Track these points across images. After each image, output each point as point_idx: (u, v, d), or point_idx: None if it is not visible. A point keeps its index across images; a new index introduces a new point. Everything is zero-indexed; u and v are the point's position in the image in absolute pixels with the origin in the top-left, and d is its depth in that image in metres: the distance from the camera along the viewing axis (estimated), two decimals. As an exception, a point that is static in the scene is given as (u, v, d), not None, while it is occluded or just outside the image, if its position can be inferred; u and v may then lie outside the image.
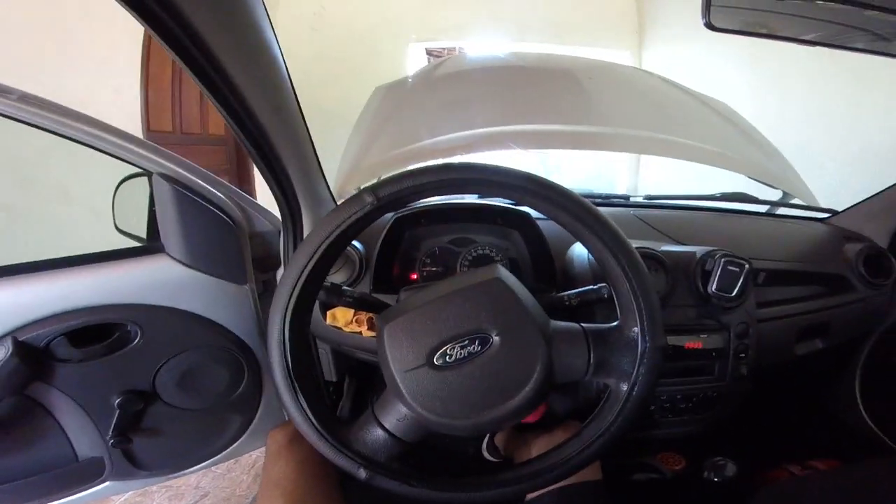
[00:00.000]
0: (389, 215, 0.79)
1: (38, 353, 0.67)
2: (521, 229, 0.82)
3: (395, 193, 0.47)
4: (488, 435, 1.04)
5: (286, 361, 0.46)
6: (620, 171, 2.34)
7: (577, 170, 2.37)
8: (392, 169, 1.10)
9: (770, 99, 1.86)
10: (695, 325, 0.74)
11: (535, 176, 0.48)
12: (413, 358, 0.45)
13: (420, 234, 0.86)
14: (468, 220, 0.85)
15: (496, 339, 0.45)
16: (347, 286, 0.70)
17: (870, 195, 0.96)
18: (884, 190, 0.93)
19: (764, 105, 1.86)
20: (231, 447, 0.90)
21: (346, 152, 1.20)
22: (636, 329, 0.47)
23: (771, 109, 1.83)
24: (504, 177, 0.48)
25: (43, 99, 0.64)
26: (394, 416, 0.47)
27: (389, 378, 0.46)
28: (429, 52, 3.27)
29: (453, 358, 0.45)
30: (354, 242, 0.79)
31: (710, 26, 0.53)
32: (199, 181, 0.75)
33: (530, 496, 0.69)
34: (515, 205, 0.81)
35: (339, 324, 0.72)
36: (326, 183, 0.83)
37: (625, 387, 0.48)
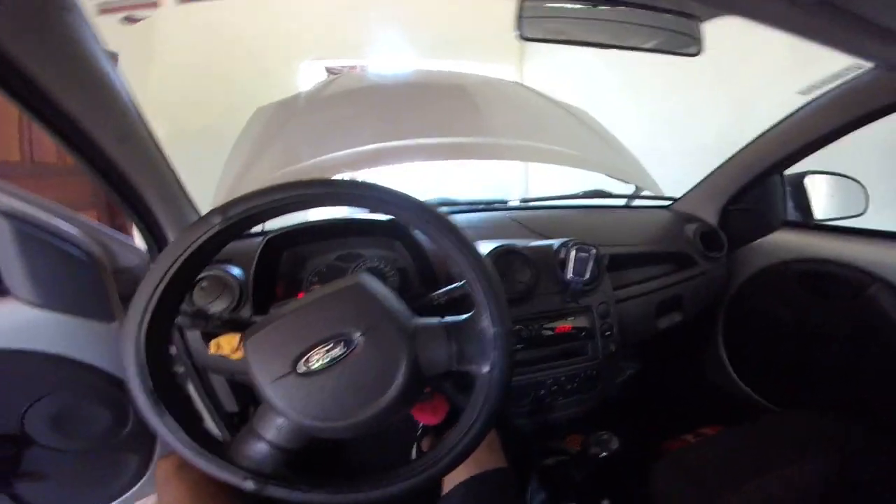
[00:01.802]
0: (260, 238, 0.78)
1: None
2: (401, 239, 0.84)
3: (243, 212, 0.46)
4: (416, 443, 1.05)
5: (146, 387, 0.45)
6: (514, 178, 2.52)
7: (477, 179, 2.51)
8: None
9: (628, 106, 2.14)
10: (561, 309, 0.81)
11: (382, 186, 0.50)
12: (278, 367, 0.46)
13: (303, 252, 0.85)
14: (350, 234, 0.86)
15: (360, 340, 0.47)
16: (229, 313, 0.68)
17: (698, 182, 1.13)
18: (707, 176, 1.11)
19: (622, 109, 2.13)
20: (134, 487, 0.86)
21: (223, 175, 1.15)
22: (486, 317, 0.50)
23: (628, 113, 2.11)
24: (353, 189, 0.50)
25: None
26: (272, 426, 0.47)
27: (260, 390, 0.46)
28: (329, 70, 3.25)
29: (318, 363, 0.46)
30: (231, 268, 0.76)
31: (522, 37, 0.60)
32: (45, 216, 0.68)
33: (445, 491, 0.71)
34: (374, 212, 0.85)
35: (226, 352, 0.68)
36: (196, 209, 0.80)
37: (485, 371, 0.51)
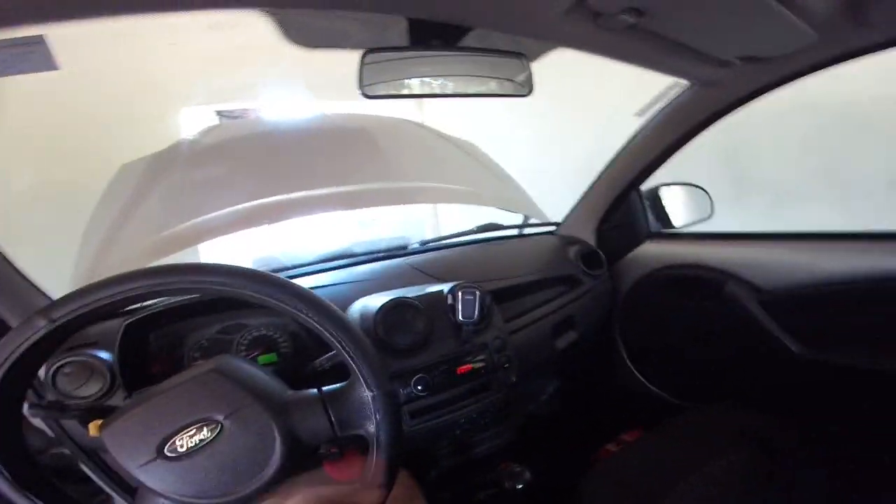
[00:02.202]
0: (119, 321, 0.72)
1: None
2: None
3: (71, 313, 0.46)
4: None
5: (8, 481, 0.46)
6: (425, 219, 2.58)
7: (393, 220, 2.52)
8: (144, 260, 0.97)
9: (514, 129, 2.32)
10: (459, 351, 0.83)
11: (228, 267, 0.49)
12: (142, 454, 0.45)
13: (180, 329, 0.78)
14: (233, 306, 0.80)
15: (226, 423, 0.46)
16: (98, 398, 0.67)
17: (573, 205, 1.24)
18: (581, 198, 1.22)
19: (510, 134, 2.30)
20: None
21: (83, 243, 1.02)
22: (362, 382, 0.50)
23: (514, 136, 2.28)
24: (195, 276, 0.48)
25: None
26: None
27: (129, 476, 0.46)
28: (220, 114, 3.08)
29: (185, 447, 0.45)
30: (100, 352, 0.70)
31: (366, 96, 0.63)
32: None
33: None
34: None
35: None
36: (40, 291, 0.73)
37: (372, 433, 0.51)
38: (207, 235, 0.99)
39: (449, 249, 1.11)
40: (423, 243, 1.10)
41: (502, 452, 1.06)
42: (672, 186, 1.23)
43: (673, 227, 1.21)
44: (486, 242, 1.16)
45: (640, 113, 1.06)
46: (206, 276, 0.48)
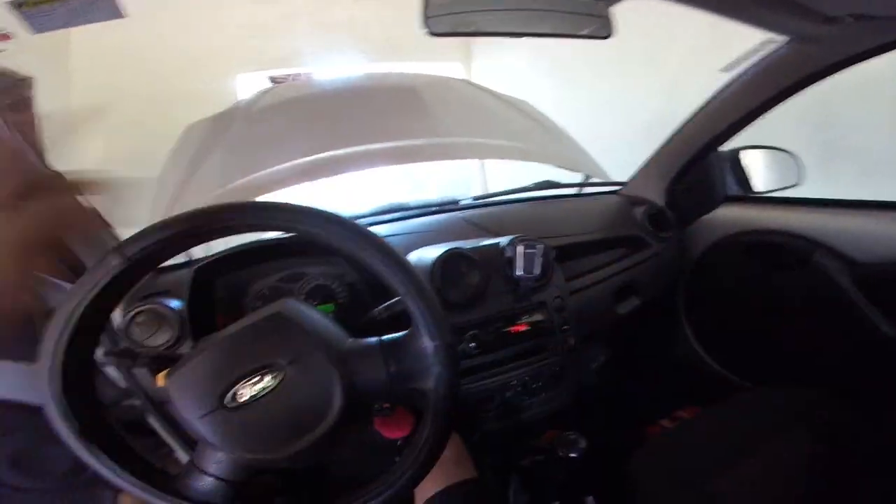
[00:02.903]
0: (188, 270, 0.73)
1: None
2: (340, 253, 0.81)
3: (143, 250, 0.44)
4: (398, 454, 1.01)
5: (75, 430, 0.44)
6: (471, 175, 2.52)
7: (440, 180, 2.49)
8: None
9: (566, 95, 2.18)
10: (515, 309, 0.79)
11: (290, 206, 0.47)
12: (204, 404, 0.44)
13: (243, 277, 0.80)
14: (292, 254, 0.82)
15: (287, 370, 0.45)
16: (168, 347, 0.67)
17: (641, 164, 1.14)
18: (650, 158, 1.12)
19: (562, 101, 2.17)
20: None
21: (156, 199, 1.07)
22: (424, 332, 0.48)
23: (568, 104, 2.15)
24: (261, 213, 0.47)
25: None
26: (212, 460, 0.46)
27: (190, 427, 0.45)
28: (273, 80, 3.15)
29: (246, 397, 0.44)
30: (169, 301, 0.72)
31: (431, 33, 0.59)
32: None
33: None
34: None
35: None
36: (116, 236, 0.75)
37: (430, 388, 0.49)
38: (266, 189, 1.00)
39: (503, 206, 1.06)
40: (476, 198, 1.06)
41: (550, 419, 1.04)
42: (755, 149, 1.10)
43: (753, 193, 1.09)
44: (542, 200, 1.10)
45: (727, 69, 0.94)
46: (271, 212, 0.47)
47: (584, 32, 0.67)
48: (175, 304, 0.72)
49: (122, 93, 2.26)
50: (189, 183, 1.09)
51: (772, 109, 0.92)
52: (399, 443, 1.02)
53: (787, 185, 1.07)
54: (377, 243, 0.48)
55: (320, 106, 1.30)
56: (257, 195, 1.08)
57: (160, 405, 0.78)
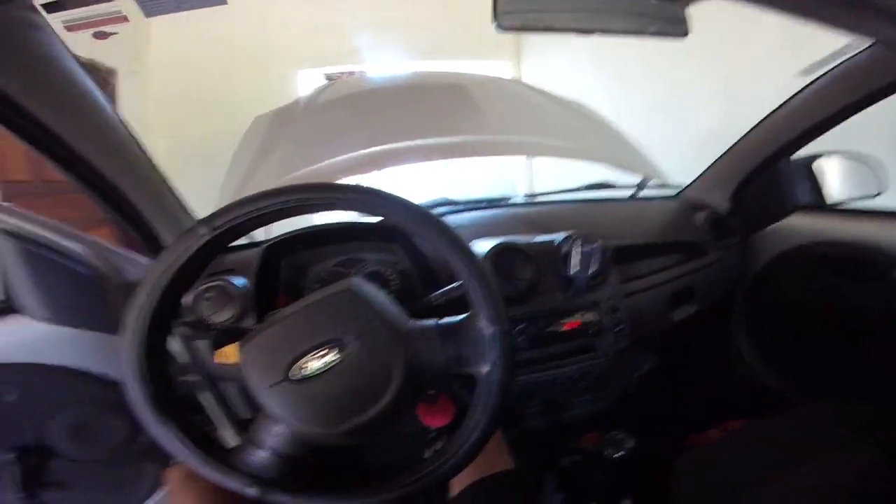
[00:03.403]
0: (258, 248, 0.77)
1: None
2: (399, 241, 0.83)
3: (229, 222, 0.47)
4: (428, 443, 1.03)
5: (145, 397, 0.46)
6: (518, 175, 2.50)
7: (481, 178, 2.49)
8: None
9: (619, 95, 2.12)
10: (566, 306, 0.79)
11: (373, 189, 0.49)
12: (272, 375, 0.45)
13: (304, 259, 0.84)
14: (348, 239, 0.85)
15: (353, 345, 0.46)
16: (231, 324, 0.68)
17: (704, 169, 1.10)
18: (714, 163, 1.08)
19: (615, 101, 2.11)
20: (154, 495, 0.87)
21: (224, 186, 1.15)
22: (482, 317, 0.49)
23: (621, 105, 2.09)
24: (340, 193, 0.49)
25: None
26: (271, 434, 0.47)
27: (256, 397, 0.46)
28: (328, 77, 3.27)
29: (311, 370, 0.45)
30: (234, 279, 0.75)
31: (500, 28, 0.59)
32: (50, 235, 0.70)
33: (452, 494, 0.70)
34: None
35: (231, 360, 0.70)
36: (194, 219, 0.80)
37: (484, 373, 0.50)
38: (329, 177, 1.05)
39: (555, 205, 1.06)
40: (526, 196, 1.06)
41: (591, 421, 1.02)
42: (833, 155, 1.03)
43: (829, 202, 1.02)
44: (597, 201, 1.08)
45: (806, 72, 0.89)
46: (350, 193, 0.49)
47: (660, 31, 0.65)
48: (240, 282, 0.75)
49: (194, 87, 2.43)
50: (255, 171, 1.16)
51: (851, 116, 0.86)
52: (431, 434, 1.04)
53: (866, 194, 0.99)
54: (446, 230, 0.50)
55: (377, 101, 1.34)
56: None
57: (214, 382, 0.81)
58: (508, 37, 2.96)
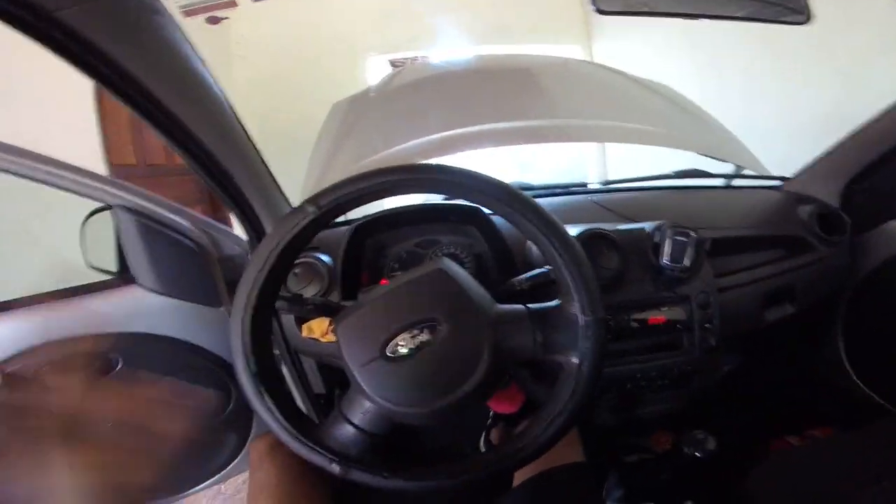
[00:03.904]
0: (347, 226, 0.80)
1: (27, 383, 0.70)
2: (477, 225, 0.83)
3: (334, 200, 0.49)
4: (484, 431, 1.05)
5: (250, 369, 0.47)
6: (589, 161, 2.38)
7: (549, 163, 2.41)
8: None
9: (710, 80, 1.94)
10: (654, 298, 0.75)
11: (468, 171, 0.50)
12: (367, 352, 0.47)
13: (384, 240, 0.87)
14: (427, 220, 0.86)
15: (444, 326, 0.47)
16: (320, 299, 0.71)
17: (813, 160, 0.99)
18: (825, 153, 0.97)
19: (705, 86, 1.94)
20: (230, 465, 0.92)
21: (309, 170, 1.21)
22: (576, 304, 0.48)
23: (712, 90, 1.91)
24: (436, 175, 0.50)
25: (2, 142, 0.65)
26: (359, 411, 0.49)
27: (349, 374, 0.47)
28: (393, 63, 3.31)
29: (405, 348, 0.47)
30: (321, 255, 0.80)
31: (600, 11, 0.55)
32: (162, 211, 0.76)
33: (516, 482, 0.70)
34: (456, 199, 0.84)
35: (316, 335, 0.73)
36: (287, 201, 0.84)
37: (574, 362, 0.49)
38: (403, 161, 1.07)
39: (638, 192, 1.00)
40: (606, 183, 1.02)
41: (660, 419, 0.97)
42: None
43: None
44: (686, 189, 1.01)
45: None
46: (448, 175, 0.49)
47: (778, 18, 0.59)
48: (326, 258, 0.79)
49: (271, 74, 2.55)
50: (336, 155, 1.20)
51: None
52: (489, 421, 1.05)
53: None
54: (544, 215, 0.49)
55: (450, 85, 1.34)
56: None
57: (295, 356, 0.85)
58: (578, 19, 2.83)
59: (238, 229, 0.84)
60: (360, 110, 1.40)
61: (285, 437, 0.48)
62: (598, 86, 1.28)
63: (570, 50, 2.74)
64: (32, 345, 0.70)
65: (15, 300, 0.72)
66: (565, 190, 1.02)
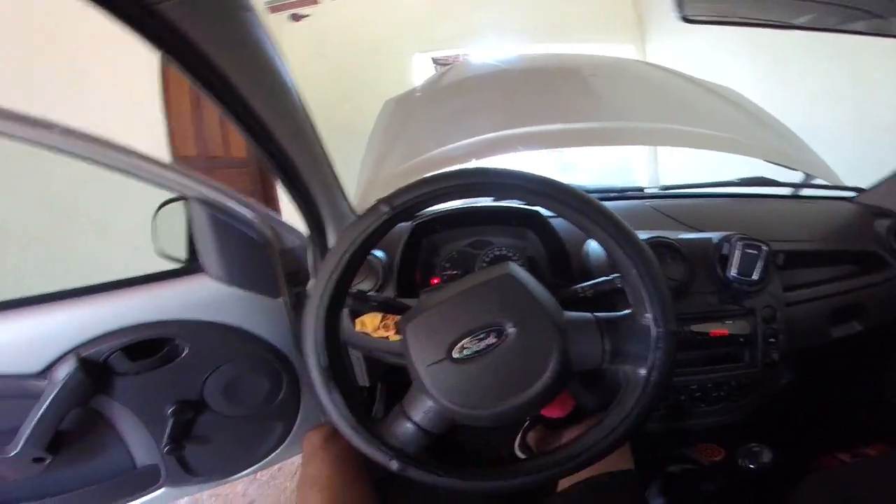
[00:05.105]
0: (408, 224, 0.82)
1: (99, 367, 0.73)
2: (535, 228, 0.83)
3: (408, 202, 0.50)
4: (520, 433, 1.05)
5: (321, 363, 0.49)
6: (639, 163, 2.29)
7: (594, 165, 2.35)
8: (406, 180, 1.13)
9: (774, 83, 1.84)
10: (718, 311, 0.73)
11: (540, 176, 0.50)
12: (434, 353, 0.47)
13: (438, 239, 0.88)
14: (484, 222, 0.87)
15: (511, 331, 0.47)
16: (375, 294, 0.72)
17: (892, 171, 0.93)
18: None
19: (768, 90, 1.84)
20: (274, 453, 0.94)
21: (362, 166, 1.24)
22: (648, 315, 0.48)
23: (776, 93, 1.81)
24: (509, 179, 0.50)
25: (85, 132, 0.68)
26: (421, 410, 0.49)
27: (414, 374, 0.48)
28: (435, 61, 3.32)
29: (472, 351, 0.47)
30: (376, 252, 0.82)
31: (685, 19, 0.54)
32: (232, 204, 0.79)
33: (561, 487, 0.70)
34: (527, 205, 0.83)
35: (368, 329, 0.75)
36: (346, 198, 0.86)
37: (642, 372, 0.49)
38: (454, 161, 1.08)
39: (698, 199, 0.97)
40: (664, 188, 0.99)
41: (713, 431, 0.94)
42: None
43: None
44: (750, 198, 0.97)
45: None
46: (522, 181, 0.50)
47: (875, 31, 0.55)
48: (380, 255, 0.81)
49: (321, 71, 2.62)
50: (388, 153, 1.22)
51: None
52: (524, 425, 1.04)
53: None
54: (621, 224, 0.49)
55: (502, 85, 1.34)
56: (445, 166, 1.17)
57: (344, 348, 0.85)
58: (630, 17, 2.74)
59: (297, 223, 0.85)
60: (409, 108, 1.42)
61: (348, 431, 0.49)
62: (656, 87, 1.24)
63: (623, 49, 2.66)
64: (106, 330, 0.73)
65: (90, 286, 0.75)
66: (620, 194, 1.00)
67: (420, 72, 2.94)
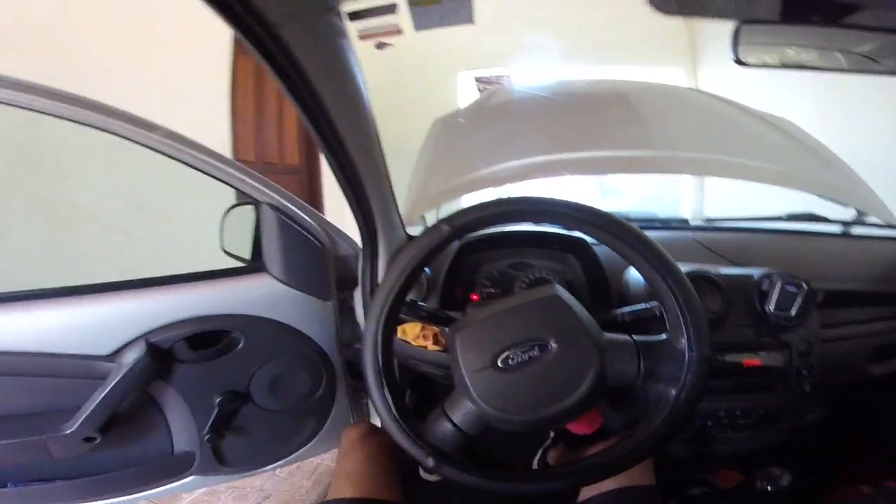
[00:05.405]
0: (456, 242, 0.86)
1: (164, 353, 0.79)
2: (577, 254, 0.87)
3: (469, 222, 0.55)
4: (541, 450, 1.06)
5: (378, 363, 0.54)
6: (683, 192, 2.25)
7: (635, 191, 2.33)
8: (451, 198, 1.19)
9: (835, 114, 1.77)
10: (753, 342, 0.74)
11: (586, 206, 0.55)
12: (480, 361, 0.52)
13: (481, 258, 0.92)
14: (526, 244, 0.91)
15: (554, 346, 0.51)
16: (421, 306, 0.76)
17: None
18: None
19: (829, 121, 1.77)
20: (302, 449, 0.98)
21: (411, 182, 1.30)
22: (683, 340, 0.51)
23: (837, 126, 1.74)
24: (557, 207, 0.55)
25: (184, 136, 0.77)
26: (461, 411, 0.53)
27: (459, 378, 0.53)
28: (478, 80, 3.38)
29: (515, 361, 0.51)
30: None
31: (739, 62, 0.57)
32: (297, 210, 0.86)
33: (582, 497, 0.72)
34: (568, 230, 0.86)
35: (408, 338, 0.80)
36: (398, 210, 0.90)
37: (673, 392, 0.52)
38: (500, 181, 1.13)
39: (742, 233, 0.97)
40: (708, 220, 1.00)
41: (735, 458, 0.93)
42: None
43: None
44: (797, 234, 0.96)
45: None
46: (575, 211, 0.54)
47: None
48: (426, 270, 0.83)
49: (389, 83, 2.69)
50: (436, 171, 1.28)
51: None
52: (547, 442, 1.05)
53: None
54: (662, 254, 0.53)
55: (549, 109, 1.37)
56: (492, 185, 1.22)
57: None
58: (682, 40, 2.70)
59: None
60: (457, 128, 1.48)
61: (393, 427, 0.53)
62: (706, 116, 1.25)
63: (674, 73, 2.63)
64: (174, 319, 0.78)
65: (159, 278, 0.81)
66: (664, 224, 1.01)
67: (464, 90, 3.00)
